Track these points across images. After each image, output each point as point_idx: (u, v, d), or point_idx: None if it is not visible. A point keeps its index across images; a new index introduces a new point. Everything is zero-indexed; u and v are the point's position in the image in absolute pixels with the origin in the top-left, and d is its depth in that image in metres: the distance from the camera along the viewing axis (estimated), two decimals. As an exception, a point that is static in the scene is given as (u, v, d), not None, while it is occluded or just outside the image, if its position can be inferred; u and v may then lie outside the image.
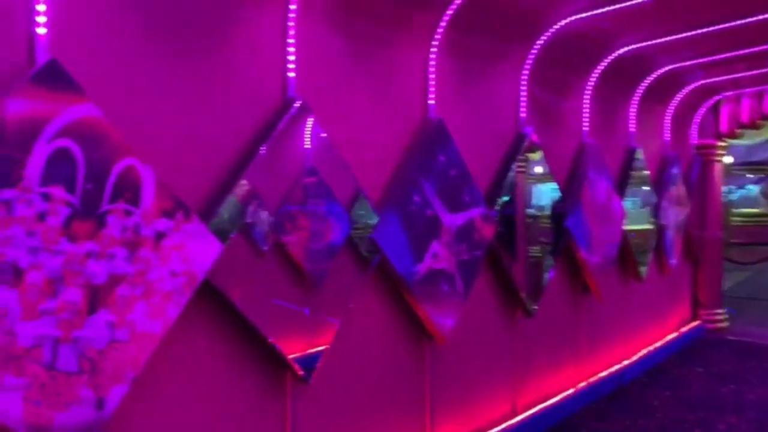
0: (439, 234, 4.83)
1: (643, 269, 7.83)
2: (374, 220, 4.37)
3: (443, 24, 4.83)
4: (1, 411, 2.55)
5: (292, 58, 3.87)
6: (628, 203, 7.52)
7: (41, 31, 2.77)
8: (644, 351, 8.05)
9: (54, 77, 2.73)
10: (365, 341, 4.49)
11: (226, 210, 3.45)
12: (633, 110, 7.75)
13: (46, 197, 2.69)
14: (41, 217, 2.67)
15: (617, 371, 7.36)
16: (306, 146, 3.94)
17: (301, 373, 3.86)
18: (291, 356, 3.81)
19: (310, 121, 3.93)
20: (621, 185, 7.50)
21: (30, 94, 2.66)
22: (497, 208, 5.52)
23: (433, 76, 4.90)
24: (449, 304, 4.91)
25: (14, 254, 2.60)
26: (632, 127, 7.77)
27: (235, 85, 3.62)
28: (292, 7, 3.85)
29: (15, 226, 2.60)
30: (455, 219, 4.98)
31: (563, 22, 5.64)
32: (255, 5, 3.72)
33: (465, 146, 5.07)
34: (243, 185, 3.53)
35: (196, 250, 3.22)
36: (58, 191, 2.73)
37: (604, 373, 7.15)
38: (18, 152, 2.62)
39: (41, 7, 2.76)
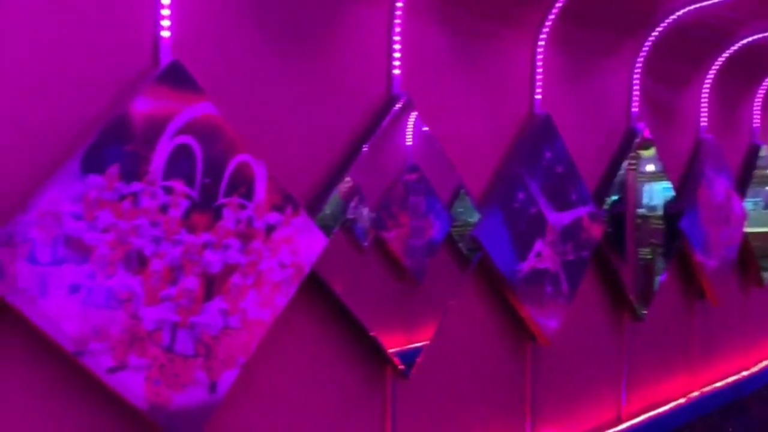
0: (543, 233, 4.71)
1: (766, 275, 7.28)
2: (475, 217, 4.32)
3: (552, 16, 4.69)
4: (127, 388, 2.74)
5: (397, 55, 3.91)
6: (749, 204, 7.02)
7: (165, 34, 2.95)
8: (766, 362, 7.50)
9: (176, 77, 2.90)
10: (465, 339, 4.46)
11: (330, 206, 3.54)
12: (758, 104, 7.21)
13: (168, 190, 2.87)
14: (164, 209, 2.85)
15: (735, 382, 6.89)
16: (408, 143, 3.97)
17: (401, 367, 3.90)
18: (391, 350, 3.85)
19: (413, 117, 3.95)
20: (742, 184, 7.01)
21: (155, 93, 2.84)
22: (606, 207, 5.32)
23: (540, 70, 4.78)
24: (553, 305, 4.79)
25: (139, 243, 2.79)
26: (756, 122, 7.23)
27: (341, 83, 3.70)
28: (399, 4, 3.88)
29: (141, 217, 2.79)
30: (561, 218, 4.85)
31: (682, 11, 5.33)
32: (362, 4, 3.78)
33: (573, 142, 4.92)
34: (346, 182, 3.61)
35: (304, 243, 3.32)
36: (179, 185, 2.90)
37: (720, 384, 6.72)
38: (144, 148, 2.80)
39: (166, 12, 2.94)
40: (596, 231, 5.10)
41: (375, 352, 3.86)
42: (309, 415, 3.62)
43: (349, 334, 3.77)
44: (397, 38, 3.90)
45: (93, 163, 2.66)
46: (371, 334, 3.76)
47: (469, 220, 4.32)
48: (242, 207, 3.10)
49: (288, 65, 3.45)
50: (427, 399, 4.21)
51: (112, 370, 2.71)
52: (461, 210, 4.30)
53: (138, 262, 2.78)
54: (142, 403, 2.79)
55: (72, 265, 2.61)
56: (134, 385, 2.76)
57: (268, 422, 3.44)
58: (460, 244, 4.29)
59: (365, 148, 3.69)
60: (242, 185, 3.10)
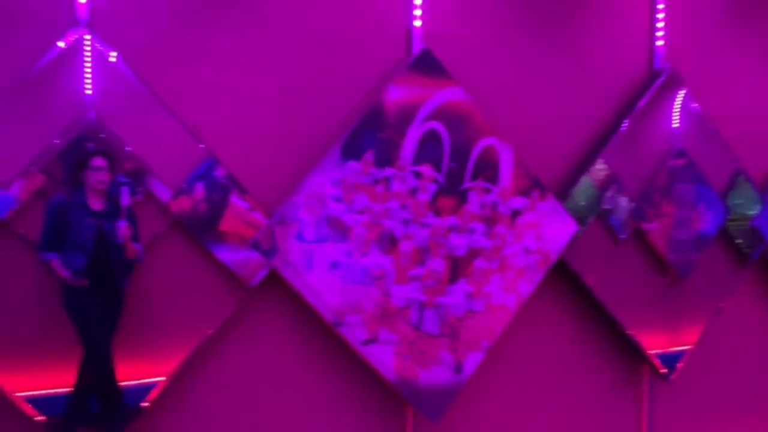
0: None
1: None
2: (756, 208, 3.75)
3: None
4: (378, 361, 2.92)
5: (660, 24, 3.54)
6: None
7: (417, 23, 3.07)
8: None
9: (427, 65, 3.00)
10: (738, 344, 3.91)
11: (581, 192, 3.35)
12: None
13: (417, 175, 2.98)
14: (412, 192, 2.97)
15: None
16: (674, 123, 3.59)
17: (663, 370, 3.56)
18: (651, 352, 3.54)
19: (680, 95, 3.55)
20: None
21: (406, 81, 2.97)
22: None
23: None
24: None
25: (390, 225, 2.95)
26: None
27: (595, 58, 3.47)
28: (663, -30, 3.53)
29: (392, 200, 2.95)
30: None
31: None
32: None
33: None
34: (600, 166, 3.39)
35: (551, 230, 3.20)
36: (427, 169, 2.99)
37: None
38: (396, 134, 2.95)
39: (418, 1, 3.06)
40: None
41: (631, 351, 3.57)
42: (557, 405, 3.48)
43: (602, 329, 3.54)
44: (660, 5, 3.54)
45: (351, 150, 2.87)
46: (628, 332, 3.49)
47: (748, 212, 3.77)
48: (487, 191, 3.10)
49: (539, 43, 3.35)
50: (689, 404, 3.77)
51: (366, 342, 2.90)
52: (740, 201, 3.77)
53: (389, 242, 2.94)
54: (391, 376, 2.94)
55: (332, 243, 2.85)
56: (385, 358, 2.93)
57: (512, 409, 3.39)
58: (738, 240, 3.77)
59: (623, 128, 3.43)
60: (488, 169, 3.09)
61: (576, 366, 3.53)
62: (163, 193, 2.66)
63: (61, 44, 2.52)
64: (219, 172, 2.70)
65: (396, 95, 2.95)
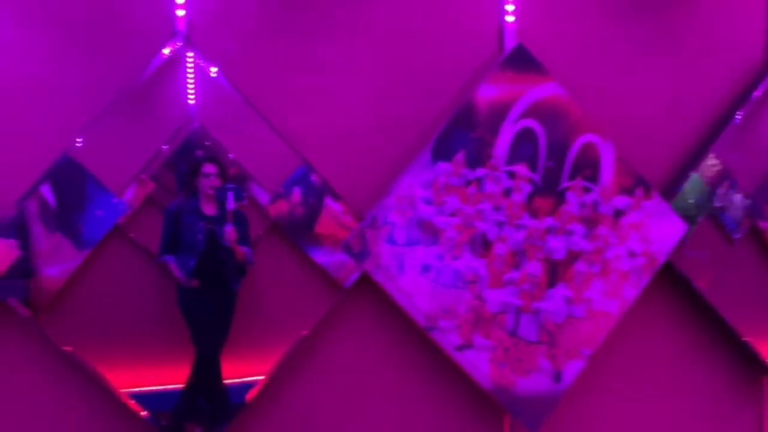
0: None
1: None
2: None
3: None
4: (473, 366, 2.84)
5: (779, 7, 3.26)
6: None
7: (509, 19, 2.96)
8: None
9: (520, 61, 2.89)
10: None
11: (690, 189, 3.13)
12: None
13: (511, 175, 2.87)
14: (506, 193, 2.87)
15: None
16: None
17: (784, 382, 3.27)
18: (771, 360, 3.26)
19: (803, 82, 3.25)
20: None
21: (499, 79, 2.87)
22: None
23: None
24: None
25: (483, 227, 2.86)
26: None
27: (703, 45, 3.23)
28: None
29: (484, 201, 2.86)
30: None
31: None
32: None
33: None
34: (711, 161, 3.15)
35: (657, 230, 3.01)
36: (521, 169, 2.88)
37: None
38: (488, 134, 2.86)
39: (510, -3, 2.97)
40: None
41: (748, 360, 3.30)
42: (664, 417, 3.26)
43: (715, 336, 3.29)
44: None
45: (442, 151, 2.81)
46: (744, 339, 3.23)
47: None
48: (587, 190, 2.94)
49: (639, 31, 3.16)
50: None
51: (460, 348, 2.82)
52: None
53: (482, 245, 2.85)
54: (487, 383, 2.85)
55: (423, 247, 2.80)
56: (480, 365, 2.84)
57: (616, 419, 3.21)
58: None
59: (737, 120, 3.17)
60: (587, 167, 2.94)
61: (686, 376, 3.30)
62: (262, 198, 2.75)
63: (166, 51, 2.62)
64: (314, 177, 2.75)
65: (488, 93, 2.86)
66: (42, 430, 2.62)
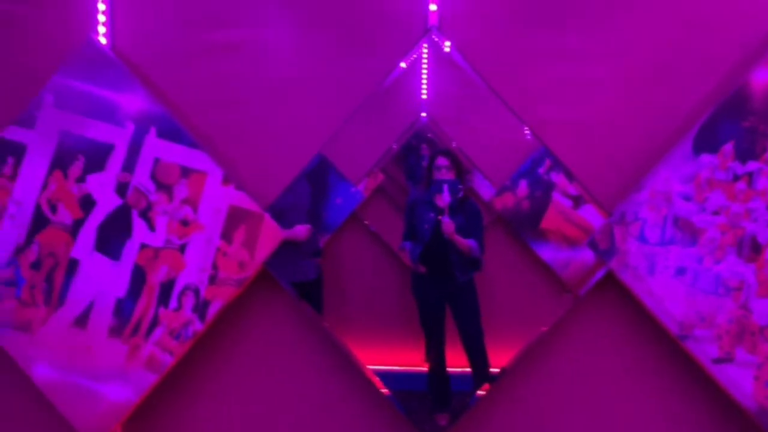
0: None
1: None
2: None
3: None
4: (732, 383, 2.55)
5: None
6: None
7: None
8: None
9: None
10: None
11: None
12: None
13: None
14: (784, 191, 2.52)
15: None
16: None
17: None
18: None
19: None
20: None
21: (780, 60, 2.52)
22: None
23: None
24: None
25: (753, 228, 2.53)
26: None
27: None
28: None
29: (756, 199, 2.53)
30: None
31: None
32: None
33: None
34: None
35: None
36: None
37: None
38: (763, 123, 2.52)
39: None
40: None
41: None
42: None
43: None
44: None
45: (706, 142, 2.54)
46: None
47: None
48: None
49: None
50: None
51: (718, 361, 2.55)
52: None
53: (751, 248, 2.54)
54: (749, 402, 2.54)
55: (680, 247, 2.56)
56: (742, 382, 2.54)
57: None
58: None
59: None
60: None
61: None
62: (486, 191, 2.76)
63: (424, 49, 2.72)
64: (542, 169, 2.67)
65: (764, 77, 2.51)
66: (291, 394, 2.84)
